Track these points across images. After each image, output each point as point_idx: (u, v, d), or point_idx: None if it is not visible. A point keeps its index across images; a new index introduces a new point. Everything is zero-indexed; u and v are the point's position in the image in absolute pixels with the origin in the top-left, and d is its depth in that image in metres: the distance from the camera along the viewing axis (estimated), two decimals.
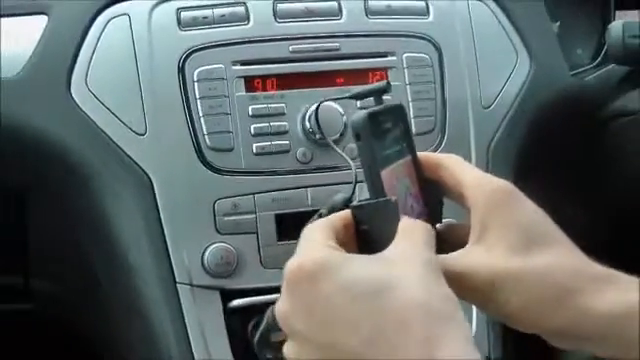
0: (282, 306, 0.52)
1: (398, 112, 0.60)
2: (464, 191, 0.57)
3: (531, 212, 0.56)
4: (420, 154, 0.61)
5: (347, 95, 0.64)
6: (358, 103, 0.83)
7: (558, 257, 0.55)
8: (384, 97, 0.59)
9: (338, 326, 0.49)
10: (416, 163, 0.60)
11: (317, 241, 0.53)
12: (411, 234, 0.53)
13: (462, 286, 0.54)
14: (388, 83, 0.60)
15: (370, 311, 0.48)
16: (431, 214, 0.60)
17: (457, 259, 0.55)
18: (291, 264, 0.51)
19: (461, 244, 0.57)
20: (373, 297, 0.48)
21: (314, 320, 0.50)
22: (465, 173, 0.58)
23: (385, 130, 0.58)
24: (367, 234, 0.56)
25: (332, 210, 0.60)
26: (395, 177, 0.58)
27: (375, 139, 0.57)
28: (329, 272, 0.50)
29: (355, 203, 0.58)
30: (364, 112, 0.57)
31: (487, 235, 0.55)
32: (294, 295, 0.51)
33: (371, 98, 0.60)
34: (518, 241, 0.55)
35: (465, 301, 0.54)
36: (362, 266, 0.50)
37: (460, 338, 0.48)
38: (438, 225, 0.60)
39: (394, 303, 0.48)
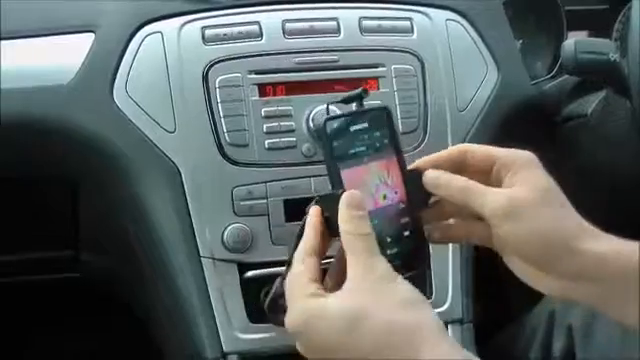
0: (291, 331, 0.61)
1: (379, 115, 0.64)
2: (496, 159, 0.65)
3: (547, 176, 0.64)
4: (452, 148, 0.67)
5: (337, 100, 0.69)
6: (354, 106, 0.93)
7: (567, 212, 0.63)
8: (377, 102, 0.66)
9: (333, 355, 0.57)
10: (400, 158, 0.65)
11: (298, 295, 0.60)
12: (353, 250, 0.59)
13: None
14: (364, 90, 0.64)
15: (354, 340, 0.56)
16: (413, 202, 0.65)
17: (498, 192, 0.62)
18: (287, 323, 0.60)
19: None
20: (353, 328, 0.56)
21: (313, 351, 0.59)
22: (491, 148, 0.66)
23: (357, 131, 0.62)
24: (329, 220, 0.62)
25: (323, 197, 0.65)
26: (366, 171, 0.63)
27: (339, 139, 0.62)
28: (312, 324, 0.58)
29: (317, 195, 0.64)
30: (325, 117, 0.63)
31: (515, 186, 0.63)
32: (295, 336, 0.61)
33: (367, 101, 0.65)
34: (537, 193, 0.62)
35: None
36: (336, 307, 0.57)
37: (437, 337, 0.55)
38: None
39: (370, 330, 0.56)
